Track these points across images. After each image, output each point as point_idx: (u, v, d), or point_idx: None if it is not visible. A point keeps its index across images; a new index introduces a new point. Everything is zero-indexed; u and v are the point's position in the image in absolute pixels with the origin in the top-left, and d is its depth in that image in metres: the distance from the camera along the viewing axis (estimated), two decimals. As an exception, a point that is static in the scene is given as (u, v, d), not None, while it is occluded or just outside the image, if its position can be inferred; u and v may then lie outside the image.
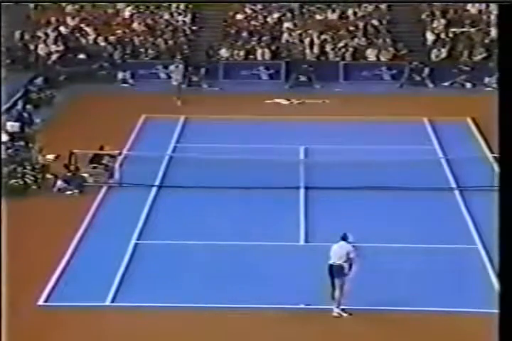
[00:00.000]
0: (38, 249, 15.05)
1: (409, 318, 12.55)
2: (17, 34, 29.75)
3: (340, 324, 12.49)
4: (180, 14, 30.72)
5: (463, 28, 29.68)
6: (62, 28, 30.06)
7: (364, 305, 12.74)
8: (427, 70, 28.15)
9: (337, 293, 12.46)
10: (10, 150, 19.53)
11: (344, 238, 12.61)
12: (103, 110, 24.22)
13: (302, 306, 12.85)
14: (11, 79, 26.29)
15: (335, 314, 12.54)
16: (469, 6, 30.33)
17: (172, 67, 25.34)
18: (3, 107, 23.43)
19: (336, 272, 12.46)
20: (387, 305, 12.77)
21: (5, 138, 20.45)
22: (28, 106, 24.03)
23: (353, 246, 12.56)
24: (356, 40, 29.48)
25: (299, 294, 13.15)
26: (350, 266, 12.41)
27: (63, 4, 30.89)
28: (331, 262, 12.53)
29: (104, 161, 19.03)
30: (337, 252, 12.51)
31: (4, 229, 13.93)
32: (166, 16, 30.68)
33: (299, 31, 29.80)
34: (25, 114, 23.11)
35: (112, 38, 29.73)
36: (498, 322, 8.18)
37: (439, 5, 30.33)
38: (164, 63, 28.79)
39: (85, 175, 18.53)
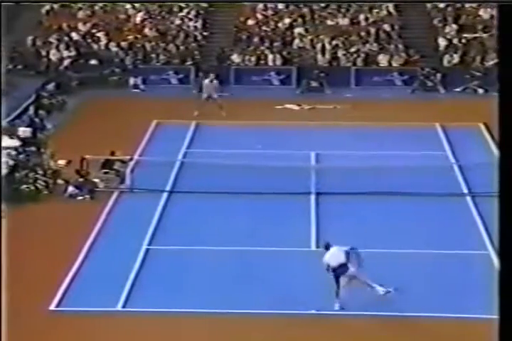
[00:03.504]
0: (49, 254, 15.05)
1: (420, 324, 12.48)
2: (29, 40, 29.88)
3: (351, 329, 12.43)
4: (191, 20, 30.78)
5: (475, 33, 29.60)
6: (74, 34, 30.18)
7: (375, 311, 12.66)
8: (439, 76, 28.08)
9: (344, 290, 12.53)
10: (21, 156, 19.58)
11: (327, 246, 12.94)
12: (114, 115, 24.27)
13: (313, 312, 12.80)
14: (23, 85, 26.42)
15: (381, 292, 12.68)
16: (481, 12, 30.26)
17: (206, 82, 25.19)
18: (15, 113, 23.53)
19: (340, 272, 12.63)
20: (398, 310, 12.70)
21: (17, 143, 20.51)
22: (40, 112, 24.10)
23: (355, 250, 12.67)
24: (368, 45, 29.45)
25: (310, 300, 13.10)
26: (347, 263, 12.70)
27: (75, 9, 31.02)
28: (331, 265, 12.71)
29: (115, 167, 19.05)
30: (334, 256, 12.72)
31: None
32: (178, 22, 30.75)
33: (310, 37, 29.80)
34: (37, 120, 23.19)
35: (123, 44, 29.82)
36: (498, 328, 8.11)
37: (451, 10, 30.27)
38: (175, 69, 28.86)
39: (96, 180, 18.55)
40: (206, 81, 25.18)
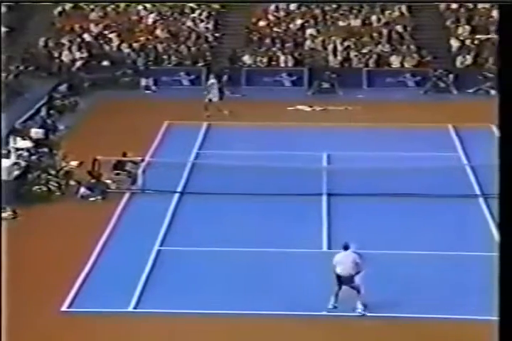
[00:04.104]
0: (61, 255, 15.07)
1: (433, 325, 12.42)
2: (41, 41, 29.97)
3: (362, 330, 12.39)
4: (203, 21, 30.80)
5: (488, 34, 29.47)
6: (86, 35, 30.26)
7: (386, 312, 12.61)
8: (451, 77, 27.98)
9: (341, 293, 12.51)
10: (34, 157, 19.62)
11: (346, 247, 12.64)
12: (126, 117, 24.30)
13: (325, 313, 12.76)
14: (35, 86, 26.50)
15: (357, 313, 12.54)
16: (494, 13, 30.13)
17: (210, 81, 25.20)
18: (28, 114, 23.59)
19: (345, 282, 12.53)
20: (410, 312, 12.64)
21: (29, 144, 20.56)
22: (52, 113, 24.17)
23: (358, 253, 12.51)
24: (380, 46, 29.38)
25: (322, 301, 13.05)
26: (358, 272, 12.47)
27: (87, 11, 31.10)
28: (338, 272, 12.53)
29: (127, 168, 19.07)
30: (342, 262, 12.55)
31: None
32: (189, 23, 30.78)
33: (321, 38, 29.76)
34: (49, 121, 23.25)
35: (135, 45, 29.88)
36: (498, 330, 8.05)
37: (464, 11, 30.15)
38: (187, 70, 28.88)
39: (108, 181, 18.57)
40: (210, 81, 25.21)
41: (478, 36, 29.40)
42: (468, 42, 29.24)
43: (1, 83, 24.06)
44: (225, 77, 28.15)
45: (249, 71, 28.77)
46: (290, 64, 29.22)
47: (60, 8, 30.94)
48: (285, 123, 23.58)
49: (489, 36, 29.43)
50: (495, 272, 14.22)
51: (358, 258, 12.49)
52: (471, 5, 30.09)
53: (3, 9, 30.21)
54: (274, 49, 29.54)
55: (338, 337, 12.33)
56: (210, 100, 24.57)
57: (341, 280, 12.53)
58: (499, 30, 8.70)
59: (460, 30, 29.68)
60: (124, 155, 19.17)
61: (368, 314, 12.54)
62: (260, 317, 12.72)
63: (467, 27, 29.70)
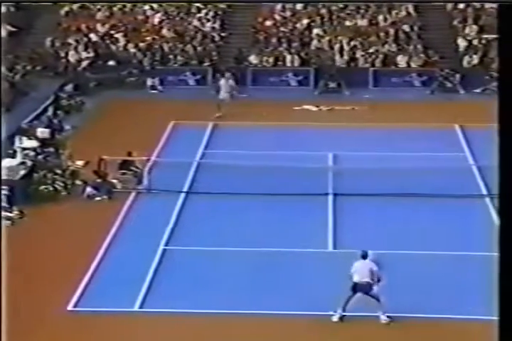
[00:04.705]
0: (67, 254, 15.08)
1: (436, 325, 12.38)
2: (48, 41, 30.01)
3: (367, 330, 12.35)
4: (209, 21, 30.79)
5: (495, 34, 29.38)
6: (92, 35, 30.28)
7: (391, 312, 12.57)
8: (458, 77, 27.90)
9: (352, 302, 12.39)
10: (40, 156, 19.64)
11: (364, 256, 12.57)
12: (132, 116, 24.31)
13: (331, 313, 12.72)
14: (41, 86, 26.54)
15: (383, 321, 12.46)
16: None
17: (223, 81, 25.21)
18: (34, 114, 23.62)
19: (360, 289, 12.41)
20: (416, 312, 12.60)
21: (35, 144, 20.59)
22: (59, 113, 24.20)
23: (375, 262, 12.46)
24: (387, 46, 29.31)
25: (328, 301, 13.02)
26: (378, 280, 12.39)
27: (94, 11, 31.12)
28: (354, 280, 12.43)
29: (132, 167, 19.07)
30: (360, 271, 12.46)
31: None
32: (195, 23, 30.77)
33: (328, 37, 29.71)
34: (56, 121, 23.27)
35: (141, 45, 29.87)
36: (498, 330, 8.01)
37: (471, 11, 30.06)
38: (193, 70, 28.88)
39: (114, 181, 18.58)
40: (222, 80, 25.18)
41: (485, 36, 29.31)
42: (475, 42, 29.16)
43: (2, 83, 24.03)
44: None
45: (256, 71, 28.74)
46: (296, 64, 29.19)
47: (67, 8, 30.97)
48: (291, 123, 23.55)
49: (496, 36, 29.32)
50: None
51: (374, 266, 12.39)
52: (478, 5, 29.99)
53: (12, 9, 30.29)
54: (280, 49, 29.51)
55: (344, 337, 12.30)
56: (222, 100, 24.54)
57: (357, 287, 12.42)
58: (499, 30, 8.67)
59: (467, 30, 29.60)
60: (130, 154, 19.17)
61: (371, 314, 12.48)
62: (266, 316, 12.70)
63: (474, 27, 29.62)
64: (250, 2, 30.70)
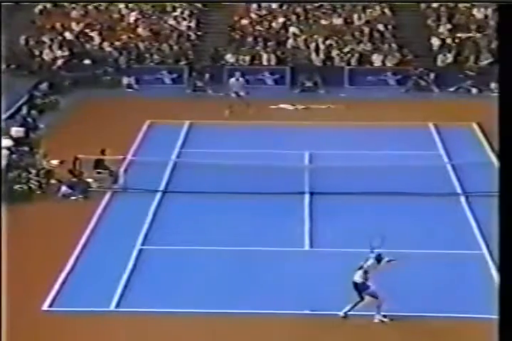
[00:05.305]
0: (42, 254, 14.99)
1: (412, 323, 12.46)
2: (22, 39, 29.77)
3: (344, 329, 12.41)
4: (185, 19, 30.72)
5: (469, 33, 29.62)
6: (67, 33, 30.10)
7: (368, 311, 12.64)
8: (432, 76, 28.08)
9: (364, 302, 12.41)
10: (14, 156, 19.50)
11: (379, 260, 12.48)
12: (108, 115, 24.21)
13: (307, 312, 12.77)
14: (15, 85, 26.32)
15: (376, 320, 12.48)
16: (475, 11, 30.29)
17: (233, 80, 25.23)
18: (8, 113, 23.44)
19: (359, 289, 12.44)
20: (390, 310, 12.68)
21: (9, 143, 20.43)
22: (33, 112, 24.03)
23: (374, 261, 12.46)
24: (362, 45, 29.44)
25: (304, 299, 13.07)
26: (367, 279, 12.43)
27: (68, 9, 30.92)
28: (355, 279, 12.45)
29: (108, 166, 18.97)
30: (358, 269, 12.45)
31: (4, 234, 13.88)
32: (171, 21, 30.69)
33: (304, 36, 29.77)
34: (30, 119, 23.12)
35: (117, 43, 29.74)
36: (497, 328, 8.10)
37: (445, 10, 30.26)
38: (169, 68, 28.82)
39: (90, 180, 18.50)
40: (232, 79, 25.25)
41: (459, 35, 29.52)
42: (449, 40, 29.36)
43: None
44: (206, 76, 28.13)
45: (232, 69, 28.71)
46: (273, 62, 29.22)
47: (41, 6, 30.75)
48: (267, 121, 23.57)
49: (470, 35, 29.57)
50: (478, 269, 14.36)
51: (366, 265, 12.38)
52: (451, 3, 30.21)
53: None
54: (256, 47, 29.52)
55: (321, 336, 12.34)
56: (237, 95, 24.42)
57: (356, 287, 12.45)
58: (499, 30, 8.76)
59: (441, 29, 29.79)
60: (103, 152, 19.06)
61: (357, 313, 12.53)
62: (242, 316, 12.71)
63: (448, 25, 29.82)
64: (235, 2, 30.66)
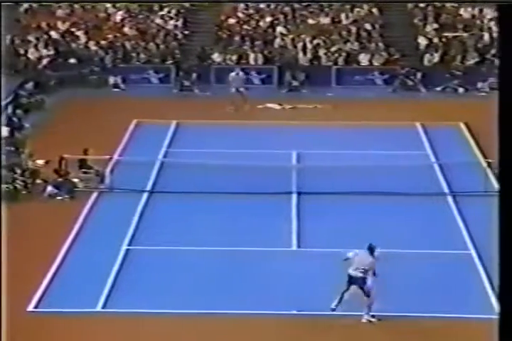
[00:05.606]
0: (28, 255, 14.89)
1: (399, 323, 12.45)
2: (7, 38, 29.58)
3: (332, 329, 12.37)
4: (172, 18, 30.62)
5: (455, 32, 29.68)
6: (52, 32, 29.93)
7: (357, 311, 12.61)
8: (419, 75, 28.12)
9: (347, 296, 12.29)
10: (-1, 155, 19.36)
11: (371, 249, 12.31)
12: (94, 115, 24.09)
13: (294, 312, 12.73)
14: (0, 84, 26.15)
15: (364, 320, 12.40)
16: (462, 11, 30.36)
17: (233, 74, 25.20)
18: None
19: (356, 282, 12.27)
20: (377, 310, 12.66)
21: (-6, 142, 20.31)
22: (18, 111, 23.87)
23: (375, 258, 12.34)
24: (349, 44, 29.44)
25: (291, 300, 13.03)
26: (374, 273, 12.27)
27: (54, 8, 30.75)
28: (351, 271, 12.23)
29: (91, 166, 18.83)
30: (359, 261, 12.23)
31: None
32: (158, 20, 30.58)
33: (291, 36, 29.75)
34: (15, 119, 22.97)
35: (103, 43, 29.60)
36: (498, 329, 8.08)
37: (432, 9, 30.31)
38: (156, 68, 28.72)
39: (76, 180, 18.39)
40: (232, 74, 25.16)
41: (445, 34, 29.59)
42: (436, 40, 29.42)
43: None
44: (194, 76, 28.05)
45: (219, 69, 28.66)
46: (260, 62, 29.17)
47: (26, 5, 30.55)
48: (255, 121, 23.53)
49: (457, 34, 29.64)
50: (465, 269, 14.37)
51: (373, 263, 12.22)
52: (438, 3, 30.27)
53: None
54: (243, 47, 29.47)
55: (308, 336, 12.30)
56: (237, 90, 24.40)
57: (352, 280, 12.28)
58: (499, 30, 8.75)
59: (428, 28, 29.85)
60: (85, 151, 18.94)
61: (345, 313, 12.48)
62: (229, 316, 12.66)
63: (435, 25, 29.87)
64: (227, 2, 30.57)
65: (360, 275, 12.24)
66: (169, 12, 30.82)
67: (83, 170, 18.76)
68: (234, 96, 24.42)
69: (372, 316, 12.46)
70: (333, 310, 12.35)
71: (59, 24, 30.32)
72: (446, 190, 18.42)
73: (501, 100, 8.61)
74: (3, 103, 24.21)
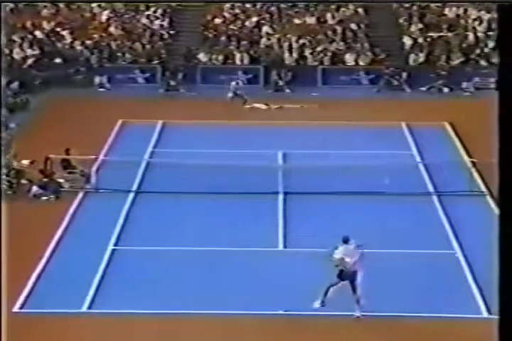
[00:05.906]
0: (13, 255, 14.79)
1: (384, 323, 12.50)
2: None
3: (318, 329, 12.41)
4: (158, 18, 30.57)
5: (440, 32, 29.80)
6: (37, 32, 29.82)
7: (345, 311, 12.65)
8: (404, 75, 28.21)
9: (330, 294, 12.32)
10: (-16, 156, 19.26)
11: (347, 241, 12.33)
12: (79, 115, 24.02)
13: (281, 312, 12.75)
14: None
15: (358, 315, 12.39)
16: (446, 11, 30.49)
17: (233, 84, 25.69)
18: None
19: (346, 277, 12.27)
20: (370, 310, 12.71)
21: (-21, 143, 20.19)
22: (3, 111, 23.75)
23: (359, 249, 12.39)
24: (335, 44, 29.50)
25: (278, 300, 13.05)
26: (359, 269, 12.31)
27: (40, 7, 30.63)
28: (342, 267, 12.22)
29: (75, 166, 18.76)
30: (349, 256, 12.25)
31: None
32: (144, 20, 30.53)
33: (277, 35, 29.78)
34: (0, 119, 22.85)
35: (88, 42, 29.52)
36: (498, 328, 8.12)
37: (416, 9, 30.41)
38: (142, 67, 28.66)
39: (61, 180, 18.34)
40: (233, 83, 25.67)
41: (430, 34, 29.70)
42: (420, 39, 29.53)
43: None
44: (179, 75, 28.03)
45: (205, 69, 28.65)
46: (246, 62, 29.18)
47: (11, 5, 30.41)
48: (241, 121, 23.54)
49: (441, 34, 29.76)
50: (451, 269, 14.42)
51: (360, 255, 12.27)
52: (423, 3, 30.38)
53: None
54: (229, 47, 29.46)
55: (294, 337, 12.33)
56: (235, 94, 24.90)
57: (342, 275, 12.25)
58: (499, 30, 8.78)
59: (413, 28, 29.95)
60: (67, 151, 18.87)
61: (332, 313, 12.50)
62: (215, 316, 12.66)
63: (420, 25, 29.98)
64: (219, 2, 30.55)
65: (353, 269, 12.23)
66: (155, 12, 30.77)
67: (68, 170, 18.70)
68: (232, 100, 24.68)
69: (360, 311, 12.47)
70: (323, 305, 12.34)
71: (44, 24, 30.21)
72: (431, 189, 18.50)
73: (501, 100, 8.62)
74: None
